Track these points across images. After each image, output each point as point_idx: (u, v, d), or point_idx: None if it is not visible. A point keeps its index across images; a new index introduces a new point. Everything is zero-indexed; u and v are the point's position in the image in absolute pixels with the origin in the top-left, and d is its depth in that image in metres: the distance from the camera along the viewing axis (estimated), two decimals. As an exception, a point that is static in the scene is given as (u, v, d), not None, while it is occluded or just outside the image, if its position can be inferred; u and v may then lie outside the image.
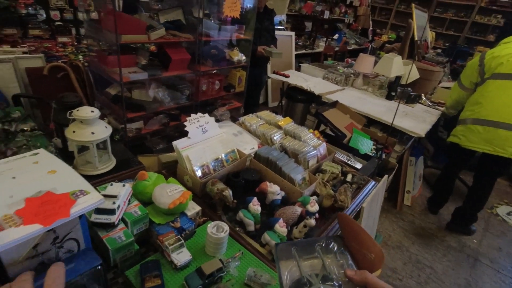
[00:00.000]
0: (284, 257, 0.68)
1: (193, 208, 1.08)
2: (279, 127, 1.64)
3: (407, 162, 3.02)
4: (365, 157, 1.89)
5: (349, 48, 6.03)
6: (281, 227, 1.05)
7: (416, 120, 2.75)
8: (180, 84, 2.04)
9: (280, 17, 5.02)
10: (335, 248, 0.76)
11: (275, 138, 1.53)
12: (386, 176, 1.73)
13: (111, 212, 0.89)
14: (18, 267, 0.61)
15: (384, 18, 7.94)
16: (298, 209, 1.15)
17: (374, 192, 1.54)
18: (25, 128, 1.11)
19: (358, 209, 1.39)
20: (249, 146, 1.46)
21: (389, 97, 3.20)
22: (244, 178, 1.23)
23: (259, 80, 3.16)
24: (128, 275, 0.86)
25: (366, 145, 2.04)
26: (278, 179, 1.27)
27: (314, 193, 1.33)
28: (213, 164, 1.25)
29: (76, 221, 0.67)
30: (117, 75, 1.62)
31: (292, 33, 4.94)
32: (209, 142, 1.29)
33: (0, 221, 0.54)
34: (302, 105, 3.38)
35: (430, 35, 4.98)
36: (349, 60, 4.48)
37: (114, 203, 0.90)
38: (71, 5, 2.97)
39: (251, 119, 1.64)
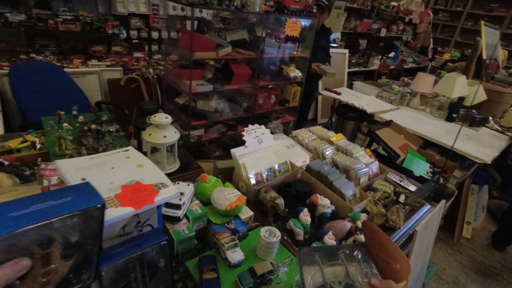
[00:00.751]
0: (308, 262, 0.68)
1: (246, 213, 1.16)
2: (331, 143, 1.66)
3: (468, 190, 2.78)
4: (420, 179, 1.80)
5: (405, 66, 5.79)
6: (330, 239, 1.07)
7: (481, 144, 2.53)
8: (239, 96, 2.20)
9: (334, 35, 5.05)
10: (359, 256, 0.74)
11: (326, 153, 1.56)
12: (443, 201, 1.63)
13: (178, 207, 1.00)
14: (110, 242, 0.73)
15: (447, 36, 7.48)
16: (348, 224, 1.16)
17: (429, 216, 1.46)
18: (111, 130, 1.31)
19: (411, 232, 1.34)
20: (301, 159, 1.50)
21: (449, 119, 3.00)
22: (296, 188, 1.28)
23: (310, 96, 3.21)
24: (188, 266, 0.96)
25: (422, 167, 1.95)
26: (328, 193, 1.29)
27: (364, 211, 1.32)
28: (266, 173, 1.33)
29: (155, 210, 0.79)
30: (187, 86, 1.83)
31: (346, 51, 4.93)
32: (264, 152, 1.37)
33: (106, 201, 0.66)
34: (352, 123, 3.33)
35: (501, 54, 4.57)
36: (406, 79, 4.31)
37: (180, 199, 1.01)
38: (147, 25, 3.38)
39: (303, 133, 1.69)
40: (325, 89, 3.09)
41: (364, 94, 3.55)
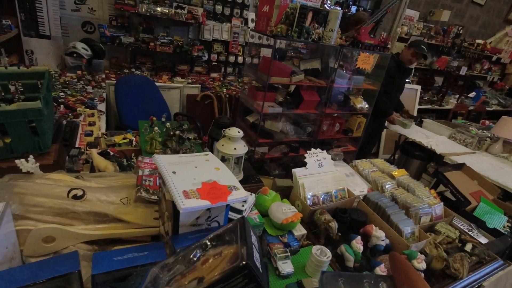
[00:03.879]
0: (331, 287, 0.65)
1: (300, 230, 1.21)
2: (392, 177, 1.63)
3: (560, 258, 2.35)
4: (493, 232, 1.63)
5: (488, 108, 5.25)
6: (381, 272, 1.06)
7: None
8: (305, 121, 2.31)
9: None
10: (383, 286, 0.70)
11: (386, 186, 1.54)
12: (521, 261, 1.44)
13: (240, 212, 1.11)
14: (185, 229, 0.87)
15: (545, 79, 6.57)
16: (403, 261, 1.13)
17: (502, 274, 1.32)
18: (190, 137, 1.52)
19: (477, 286, 1.23)
20: (359, 188, 1.51)
21: (540, 172, 2.63)
22: (351, 216, 1.30)
23: (377, 131, 3.15)
24: (242, 267, 1.05)
25: (498, 220, 1.76)
26: (384, 226, 1.28)
27: (421, 252, 1.26)
28: (323, 196, 1.37)
29: (223, 208, 0.91)
30: (259, 106, 2.02)
31: (418, 87, 4.71)
32: (323, 176, 1.42)
33: (189, 192, 0.81)
34: (418, 162, 3.14)
35: None
36: (487, 122, 3.91)
37: (243, 205, 1.12)
38: (226, 50, 3.78)
39: (364, 164, 1.70)
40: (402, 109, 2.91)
41: (434, 133, 3.33)
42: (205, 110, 3.21)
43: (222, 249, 0.61)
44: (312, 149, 1.44)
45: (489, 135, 3.15)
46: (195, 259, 0.63)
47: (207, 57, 3.65)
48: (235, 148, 1.36)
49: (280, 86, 2.21)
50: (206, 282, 0.52)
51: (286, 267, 1.03)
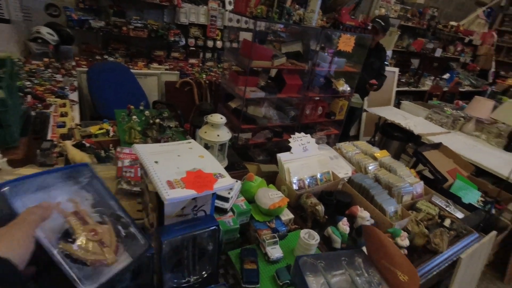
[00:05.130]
0: (311, 272, 0.65)
1: (287, 215, 1.21)
2: (375, 159, 1.66)
3: (526, 227, 2.53)
4: (468, 207, 1.71)
5: (461, 89, 5.45)
6: (368, 251, 1.08)
7: (545, 179, 2.31)
8: (288, 106, 2.29)
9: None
10: (362, 265, 0.72)
11: (369, 168, 1.56)
12: (494, 232, 1.53)
13: (226, 200, 1.09)
14: (170, 220, 0.84)
15: (513, 60, 6.89)
16: (387, 239, 1.16)
17: (477, 246, 1.39)
18: (171, 125, 1.47)
19: (454, 259, 1.29)
20: (343, 170, 1.53)
21: (509, 148, 2.78)
22: (336, 198, 1.31)
23: (352, 110, 3.17)
24: (230, 255, 1.04)
25: (472, 195, 1.84)
26: (369, 207, 1.30)
27: (404, 229, 1.30)
28: (308, 180, 1.38)
29: (209, 197, 0.88)
30: (241, 91, 1.97)
31: (396, 69, 4.80)
32: (308, 160, 1.42)
33: (173, 182, 0.77)
34: (397, 143, 3.23)
35: None
36: (460, 102, 4.07)
37: (229, 193, 1.10)
38: (204, 34, 3.65)
39: (347, 147, 1.71)
40: (368, 83, 2.93)
41: (412, 114, 3.42)
42: (185, 97, 3.11)
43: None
44: (296, 133, 1.43)
45: (463, 115, 3.29)
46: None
47: (184, 42, 3.51)
48: (218, 135, 1.32)
49: (260, 70, 2.17)
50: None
51: (275, 252, 1.03)
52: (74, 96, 2.35)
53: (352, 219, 1.27)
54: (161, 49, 3.44)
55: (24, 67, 2.58)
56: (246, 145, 2.16)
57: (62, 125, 1.84)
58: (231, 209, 1.13)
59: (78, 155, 1.21)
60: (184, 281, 0.88)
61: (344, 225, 1.17)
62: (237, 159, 1.54)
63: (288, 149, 1.42)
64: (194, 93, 3.09)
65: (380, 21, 2.77)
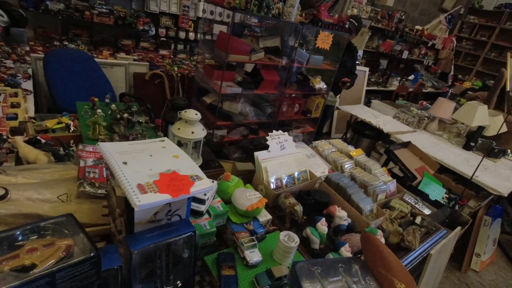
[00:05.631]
0: (308, 278, 0.65)
1: (265, 216, 1.17)
2: (350, 157, 1.67)
3: (481, 220, 2.73)
4: (435, 204, 1.79)
5: (424, 90, 5.76)
6: (346, 251, 1.08)
7: (498, 177, 2.50)
8: (264, 102, 2.24)
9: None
10: (359, 272, 0.72)
11: (345, 166, 1.57)
12: (459, 228, 1.62)
13: (202, 201, 1.02)
14: (141, 227, 0.76)
15: (469, 64, 7.41)
16: (364, 239, 1.16)
17: (445, 242, 1.45)
18: (141, 120, 1.35)
19: (425, 254, 1.33)
20: (320, 169, 1.52)
21: (467, 147, 2.97)
22: (314, 198, 1.29)
23: (326, 108, 3.22)
24: (206, 260, 0.98)
25: (438, 192, 1.93)
26: (346, 206, 1.30)
27: (379, 228, 1.32)
28: (286, 179, 1.34)
29: (185, 201, 0.81)
30: (217, 86, 1.88)
31: (366, 69, 4.95)
32: (285, 158, 1.39)
33: (145, 186, 0.69)
34: (368, 141, 3.32)
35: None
36: (424, 102, 4.29)
37: (205, 194, 1.03)
38: (175, 25, 3.48)
39: (324, 145, 1.71)
40: (340, 81, 2.99)
41: (381, 113, 3.54)
42: (155, 91, 2.95)
43: (53, 240, 0.61)
44: (274, 131, 1.39)
45: (427, 115, 3.46)
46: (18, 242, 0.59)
47: (154, 31, 3.31)
48: (193, 132, 1.24)
49: (236, 64, 2.10)
50: (41, 269, 0.54)
51: (254, 256, 0.98)
52: (28, 85, 2.11)
53: (330, 218, 1.26)
54: (129, 38, 3.22)
55: (-33, 51, 2.28)
56: (221, 143, 2.08)
57: (14, 117, 1.64)
58: (207, 211, 1.06)
59: (31, 153, 1.07)
60: (156, 292, 0.81)
61: (322, 225, 1.16)
62: (212, 157, 1.47)
63: (264, 147, 1.38)
64: (165, 86, 2.94)
65: (353, 21, 2.82)
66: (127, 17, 3.02)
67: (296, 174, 1.39)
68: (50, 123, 1.27)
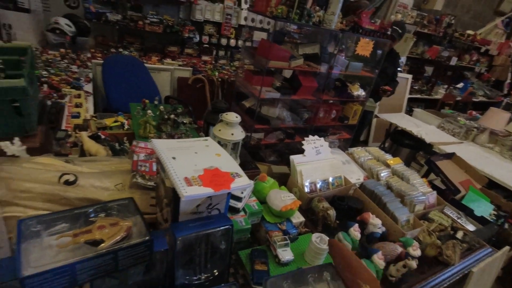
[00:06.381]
0: None
1: (298, 217, 1.21)
2: (387, 165, 1.64)
3: (537, 244, 2.47)
4: (480, 220, 1.68)
5: (475, 99, 5.37)
6: (379, 259, 1.07)
7: (560, 196, 2.26)
8: (301, 107, 2.28)
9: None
10: (328, 278, 0.75)
11: (382, 174, 1.54)
12: (507, 247, 1.50)
13: (239, 199, 1.09)
14: (185, 217, 0.84)
15: (529, 72, 6.75)
16: (399, 248, 1.15)
17: (489, 261, 1.36)
18: (185, 121, 1.47)
19: (466, 272, 1.27)
20: (355, 176, 1.51)
21: (523, 162, 2.73)
22: (348, 204, 1.30)
23: (364, 116, 3.15)
24: (241, 254, 1.04)
25: (484, 208, 1.81)
26: (380, 214, 1.29)
27: (415, 239, 1.28)
28: (320, 183, 1.37)
29: (225, 196, 0.88)
30: (257, 91, 1.97)
31: (409, 76, 4.74)
32: (320, 163, 1.41)
33: (191, 179, 0.77)
34: (408, 151, 3.19)
35: None
36: (473, 112, 4.00)
37: (242, 192, 1.10)
38: (218, 32, 3.65)
39: (360, 152, 1.70)
40: (381, 89, 2.91)
41: (424, 122, 3.38)
42: (196, 94, 3.12)
43: (116, 220, 0.70)
44: (310, 136, 1.42)
45: (476, 126, 3.23)
46: (91, 218, 0.70)
47: (198, 38, 3.52)
48: (232, 134, 1.32)
49: (273, 70, 2.17)
50: (107, 245, 0.64)
51: (286, 254, 1.02)
52: (88, 87, 2.37)
53: (363, 225, 1.26)
54: (175, 44, 3.45)
55: (41, 57, 2.61)
56: (258, 145, 2.16)
57: (77, 116, 1.86)
58: (243, 209, 1.12)
59: (93, 147, 1.22)
60: (195, 278, 0.88)
61: (355, 231, 1.16)
62: (249, 158, 1.54)
63: (299, 151, 1.41)
64: (206, 90, 3.10)
65: (397, 28, 2.74)
66: (174, 25, 3.25)
67: (330, 179, 1.40)
68: (108, 121, 1.43)
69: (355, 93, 2.32)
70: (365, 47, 1.99)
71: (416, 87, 5.03)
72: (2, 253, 0.77)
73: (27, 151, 1.04)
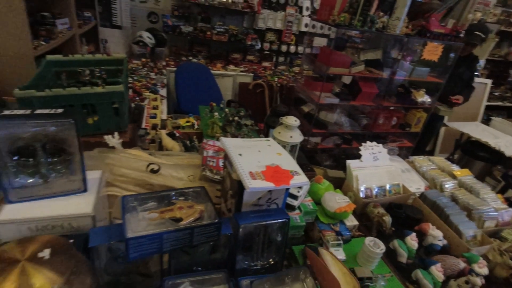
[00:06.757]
0: None
1: (352, 221, 1.23)
2: (453, 177, 1.55)
3: None
4: None
5: None
6: (438, 271, 1.04)
7: None
8: (360, 113, 2.26)
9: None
10: (303, 277, 0.85)
11: (446, 186, 1.46)
12: None
13: (295, 197, 1.16)
14: (247, 208, 0.95)
15: None
16: (462, 264, 1.09)
17: None
18: (247, 124, 1.60)
19: (545, 300, 1.14)
20: (415, 185, 1.47)
21: None
22: (406, 212, 1.27)
23: (432, 125, 2.93)
24: (294, 249, 1.11)
25: None
26: (442, 226, 1.23)
27: (483, 257, 1.19)
28: (376, 190, 1.36)
29: (283, 192, 0.96)
30: (316, 96, 2.03)
31: (489, 81, 4.25)
32: (377, 169, 1.40)
33: (255, 174, 0.87)
34: (482, 164, 2.88)
35: None
36: None
37: (298, 191, 1.17)
38: (278, 39, 3.79)
39: (422, 161, 1.63)
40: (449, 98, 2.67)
41: (504, 133, 3.01)
42: (256, 99, 3.28)
43: (192, 204, 0.83)
44: (368, 142, 1.43)
45: None
46: (172, 200, 0.84)
47: (259, 46, 3.70)
48: (291, 136, 1.40)
49: (332, 76, 2.18)
50: (186, 222, 0.77)
51: (338, 254, 1.06)
52: (163, 92, 2.70)
53: (421, 236, 1.22)
54: (238, 52, 3.69)
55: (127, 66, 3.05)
56: (314, 149, 2.20)
57: (154, 116, 2.14)
58: (299, 207, 1.19)
59: (170, 143, 1.42)
60: (252, 264, 0.98)
61: (412, 240, 1.14)
62: (305, 161, 1.60)
63: (356, 157, 1.42)
64: (265, 95, 3.24)
65: (480, 34, 2.45)
66: (238, 34, 3.47)
67: (387, 186, 1.39)
68: (181, 121, 1.64)
69: (419, 99, 2.20)
70: (433, 51, 1.89)
71: (496, 94, 4.48)
72: (102, 224, 0.97)
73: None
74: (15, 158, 0.74)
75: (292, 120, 1.39)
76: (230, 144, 1.01)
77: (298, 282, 0.86)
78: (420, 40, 2.00)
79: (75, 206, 0.80)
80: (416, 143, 2.52)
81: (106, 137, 1.17)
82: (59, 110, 0.77)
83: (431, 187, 1.50)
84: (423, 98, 2.21)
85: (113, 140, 1.17)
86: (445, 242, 1.20)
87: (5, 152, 0.72)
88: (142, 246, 0.72)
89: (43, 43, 1.86)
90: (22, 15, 1.54)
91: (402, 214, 1.27)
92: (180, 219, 0.79)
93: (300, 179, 0.89)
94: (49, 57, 1.41)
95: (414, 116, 2.33)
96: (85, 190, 0.86)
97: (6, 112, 0.70)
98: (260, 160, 0.94)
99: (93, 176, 0.91)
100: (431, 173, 1.55)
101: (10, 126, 0.71)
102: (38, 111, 0.74)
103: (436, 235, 1.19)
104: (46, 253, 0.57)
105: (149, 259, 0.87)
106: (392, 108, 2.29)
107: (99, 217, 0.88)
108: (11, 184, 0.76)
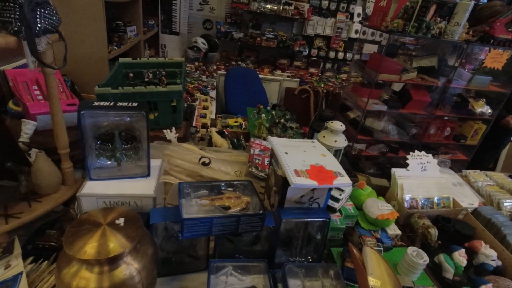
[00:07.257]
0: (292, 276, 0.87)
1: (394, 230, 1.21)
2: (514, 195, 1.42)
3: None
4: None
5: None
6: (488, 292, 0.98)
7: None
8: (409, 122, 2.18)
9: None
10: (333, 276, 0.89)
11: (505, 204, 1.36)
12: None
13: (337, 200, 1.18)
14: (290, 204, 0.99)
15: None
16: (517, 287, 1.01)
17: None
18: (293, 126, 1.65)
19: None
20: (467, 200, 1.38)
21: None
22: (455, 227, 1.21)
23: (497, 141, 2.66)
24: (332, 251, 1.12)
25: None
26: (497, 246, 1.15)
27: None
28: (423, 201, 1.31)
29: (325, 192, 1.00)
30: (363, 103, 2.02)
31: None
32: (425, 180, 1.36)
33: (299, 172, 0.92)
34: (554, 187, 2.55)
35: None
36: None
37: (340, 194, 1.19)
38: (327, 45, 3.78)
39: (477, 176, 1.53)
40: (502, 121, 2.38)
41: None
42: (300, 104, 3.32)
43: (239, 195, 0.91)
44: (416, 151, 1.38)
45: None
46: (222, 190, 0.93)
47: (307, 52, 3.73)
48: (336, 141, 1.41)
49: (382, 83, 2.12)
50: (233, 211, 0.85)
51: (377, 260, 1.05)
52: (213, 93, 2.86)
53: (471, 253, 1.15)
54: (285, 57, 3.76)
55: (182, 69, 3.30)
56: (358, 156, 2.16)
57: (204, 116, 2.29)
58: (339, 210, 1.20)
59: (219, 140, 1.53)
60: (291, 259, 1.02)
61: (461, 256, 1.08)
62: (348, 167, 1.59)
63: (402, 166, 1.39)
64: (310, 101, 3.26)
65: None
66: (287, 40, 3.55)
67: (436, 198, 1.33)
68: (230, 121, 1.75)
69: (478, 110, 2.03)
70: (496, 58, 1.75)
71: None
72: (159, 207, 1.09)
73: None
74: (98, 142, 0.89)
75: (338, 125, 1.41)
76: (278, 143, 1.07)
77: (329, 278, 0.89)
78: (483, 46, 1.86)
79: (140, 188, 0.93)
80: (472, 157, 2.32)
81: (165, 131, 1.30)
82: (134, 104, 0.90)
83: (487, 203, 1.40)
84: (483, 108, 2.04)
85: (171, 134, 1.31)
86: (499, 263, 1.12)
87: (91, 137, 0.87)
88: (194, 227, 0.81)
89: (115, 47, 2.12)
90: (102, 24, 1.79)
91: (451, 229, 1.21)
92: (228, 207, 0.87)
93: (343, 180, 0.92)
94: (122, 59, 1.61)
95: (471, 127, 2.16)
96: (148, 175, 0.99)
97: (96, 103, 0.85)
98: (305, 159, 0.99)
99: (154, 163, 1.04)
100: (488, 189, 1.44)
101: (97, 115, 0.85)
102: (118, 104, 0.88)
103: (489, 254, 1.11)
104: (121, 221, 0.68)
105: (197, 242, 0.96)
106: (446, 118, 2.15)
107: (158, 200, 1.00)
108: (93, 164, 0.90)
